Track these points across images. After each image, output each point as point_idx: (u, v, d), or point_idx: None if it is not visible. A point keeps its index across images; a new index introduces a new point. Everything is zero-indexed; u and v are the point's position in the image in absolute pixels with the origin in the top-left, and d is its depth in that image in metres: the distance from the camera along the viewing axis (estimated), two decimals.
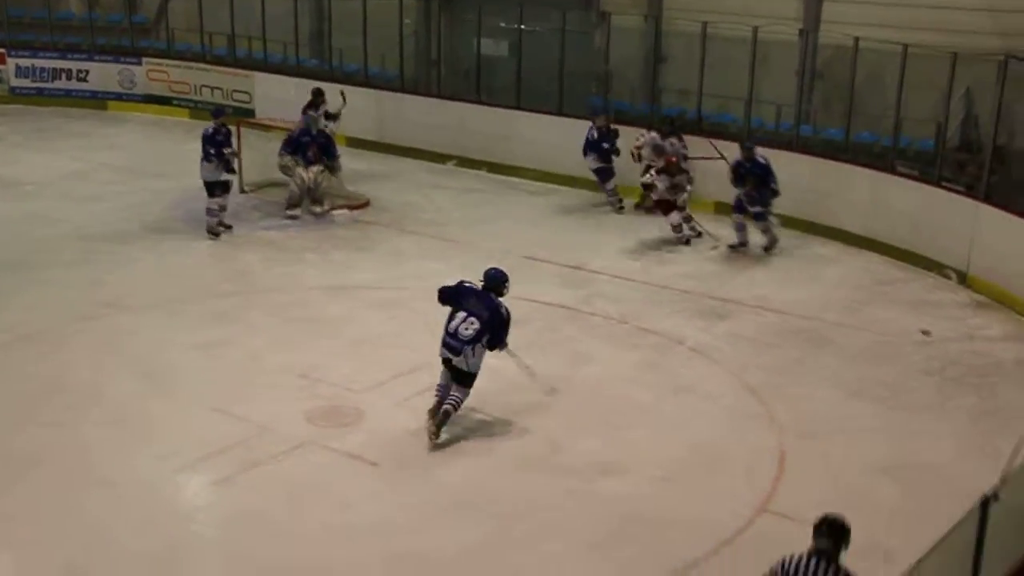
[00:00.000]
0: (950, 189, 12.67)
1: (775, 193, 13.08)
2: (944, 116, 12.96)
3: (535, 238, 13.64)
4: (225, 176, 13.16)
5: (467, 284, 8.87)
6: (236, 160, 13.42)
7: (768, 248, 13.24)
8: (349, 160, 15.24)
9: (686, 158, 14.05)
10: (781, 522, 7.70)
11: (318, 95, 15.30)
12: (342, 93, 15.49)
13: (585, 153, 14.82)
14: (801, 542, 7.47)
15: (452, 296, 8.84)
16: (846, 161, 13.68)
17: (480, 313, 8.64)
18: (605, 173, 14.84)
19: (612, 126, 14.90)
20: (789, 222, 13.91)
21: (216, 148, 12.96)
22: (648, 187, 14.05)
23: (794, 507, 7.86)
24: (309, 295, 11.76)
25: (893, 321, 11.28)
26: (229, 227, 13.48)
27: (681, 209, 13.43)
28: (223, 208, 13.34)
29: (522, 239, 13.56)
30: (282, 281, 12.18)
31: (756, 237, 13.33)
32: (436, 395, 8.78)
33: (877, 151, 13.92)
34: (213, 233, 13.25)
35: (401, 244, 13.47)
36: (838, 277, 12.58)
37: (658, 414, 9.29)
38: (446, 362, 8.75)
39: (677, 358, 10.39)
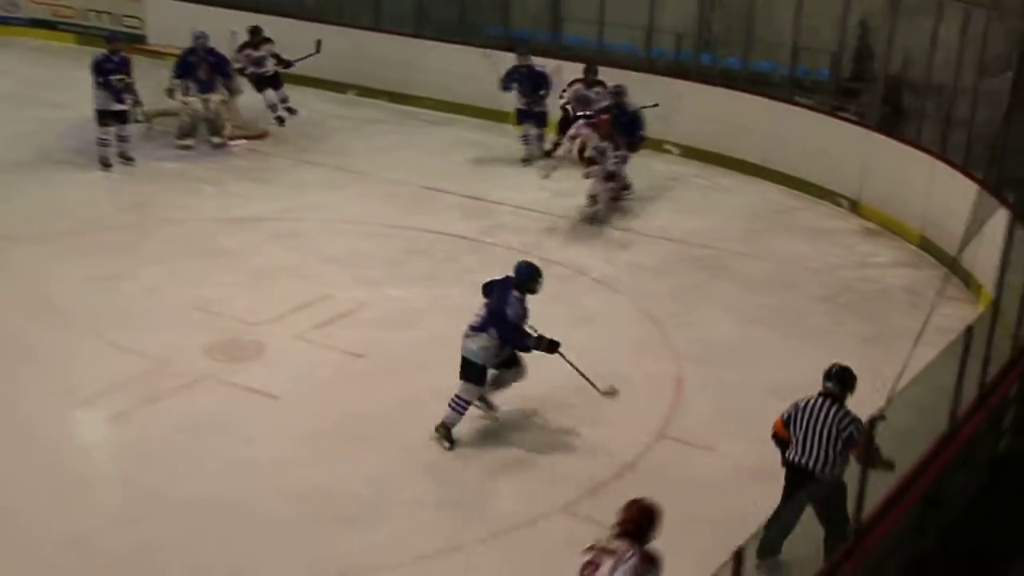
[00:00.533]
0: (844, 119, 12.90)
1: (641, 140, 12.62)
2: (839, 46, 13.15)
3: (436, 168, 13.56)
4: (117, 106, 12.74)
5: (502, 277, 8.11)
6: (132, 89, 12.89)
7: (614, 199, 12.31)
8: (246, 90, 14.88)
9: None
10: (679, 446, 7.89)
11: (255, 34, 14.37)
12: (318, 42, 14.61)
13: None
14: (699, 464, 7.73)
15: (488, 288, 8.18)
16: (745, 91, 13.80)
17: (490, 303, 7.97)
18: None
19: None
20: (689, 152, 14.07)
21: (104, 76, 12.54)
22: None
23: (691, 432, 8.08)
24: (207, 227, 11.56)
25: (788, 249, 11.52)
26: (131, 159, 13.10)
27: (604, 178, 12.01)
28: (123, 140, 12.96)
29: (423, 170, 13.47)
30: (179, 213, 11.94)
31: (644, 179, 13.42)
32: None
33: (775, 81, 14.07)
34: (105, 164, 12.89)
35: (300, 175, 13.27)
36: (736, 206, 12.77)
37: (562, 343, 9.35)
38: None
39: (579, 288, 10.48)
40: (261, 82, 14.44)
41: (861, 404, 8.05)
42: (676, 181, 13.49)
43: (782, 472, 6.76)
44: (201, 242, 11.12)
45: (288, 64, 14.37)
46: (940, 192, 11.15)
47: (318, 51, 14.50)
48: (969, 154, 10.92)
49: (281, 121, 14.51)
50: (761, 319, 9.86)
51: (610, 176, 11.92)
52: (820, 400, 6.63)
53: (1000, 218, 8.48)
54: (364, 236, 11.45)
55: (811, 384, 8.70)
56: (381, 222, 11.80)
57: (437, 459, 7.68)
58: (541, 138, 13.79)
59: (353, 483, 7.39)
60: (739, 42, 14.23)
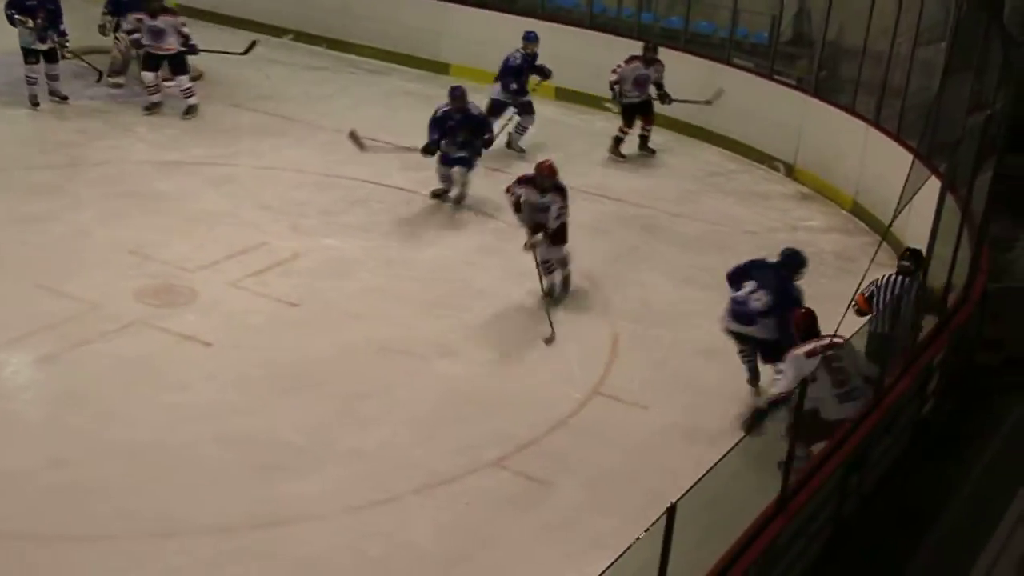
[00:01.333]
0: (781, 83, 12.99)
1: (487, 144, 11.46)
2: (779, 10, 13.22)
3: (375, 118, 13.39)
4: (39, 45, 12.31)
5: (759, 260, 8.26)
6: (53, 28, 12.39)
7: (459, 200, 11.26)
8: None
9: (668, 98, 12.64)
10: (612, 404, 7.97)
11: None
12: (252, 44, 13.79)
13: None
14: (632, 422, 7.82)
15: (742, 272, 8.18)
16: (685, 51, 13.82)
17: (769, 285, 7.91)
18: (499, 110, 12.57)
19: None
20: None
21: (15, 13, 12.15)
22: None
23: (625, 389, 8.16)
24: (139, 169, 11.35)
25: (724, 211, 11.62)
26: (64, 97, 12.76)
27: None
28: (52, 78, 12.61)
29: (361, 119, 13.28)
30: (110, 154, 11.69)
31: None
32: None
33: (715, 42, 14.12)
34: (34, 102, 12.55)
35: (235, 120, 13.04)
36: (674, 167, 12.82)
37: (496, 298, 9.39)
38: (738, 336, 8.06)
39: (516, 243, 10.43)
40: (150, 59, 12.70)
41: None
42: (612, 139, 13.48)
43: (714, 432, 6.88)
44: (133, 185, 10.92)
45: (193, 50, 12.91)
46: (874, 159, 11.31)
47: (244, 53, 13.40)
48: (903, 122, 11.08)
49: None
50: (696, 279, 9.95)
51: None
52: (897, 278, 7.87)
53: (932, 186, 8.61)
54: (300, 184, 11.32)
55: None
56: (318, 171, 11.68)
57: (371, 411, 7.68)
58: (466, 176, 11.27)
59: (286, 432, 7.36)
60: (681, 1, 14.23)
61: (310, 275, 9.45)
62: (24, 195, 10.45)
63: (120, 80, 13.52)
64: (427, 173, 11.85)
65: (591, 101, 13.58)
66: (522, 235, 10.68)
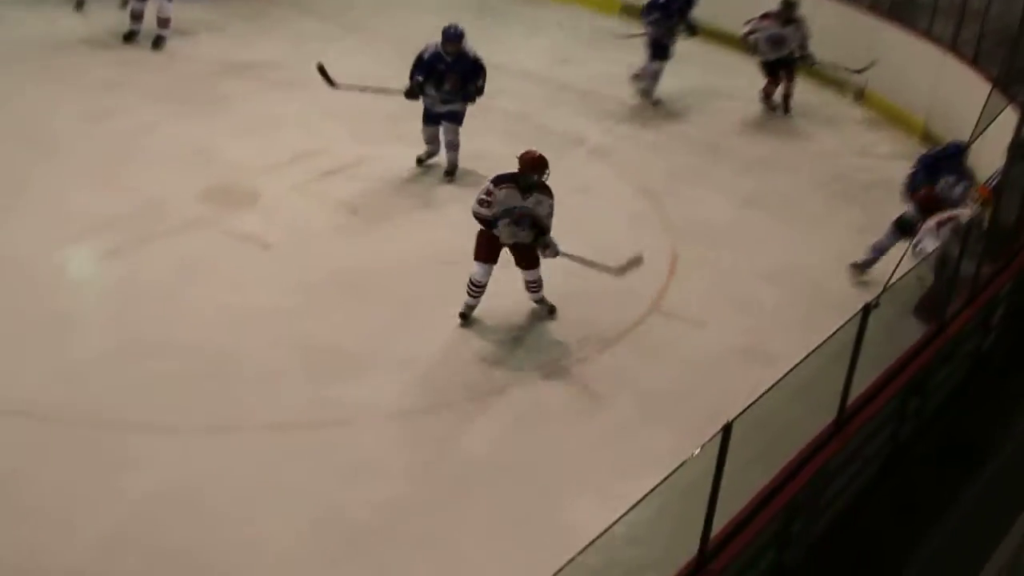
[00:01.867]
0: (856, 5, 12.64)
1: (479, 91, 9.88)
2: None
3: (440, 29, 13.24)
4: None
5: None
6: None
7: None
8: None
9: (811, 59, 11.73)
10: (671, 321, 7.94)
11: None
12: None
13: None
14: (687, 339, 7.80)
15: None
16: None
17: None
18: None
19: None
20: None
21: None
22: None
23: (682, 307, 8.12)
24: (204, 69, 11.34)
25: (790, 133, 11.42)
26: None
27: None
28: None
29: (427, 29, 13.09)
30: (176, 54, 11.70)
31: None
32: None
33: None
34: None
35: (302, 26, 12.96)
36: (741, 89, 12.57)
37: (556, 212, 9.28)
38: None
39: (576, 159, 10.40)
40: None
41: (853, 292, 8.16)
42: (680, 56, 13.23)
43: (772, 353, 6.86)
44: (198, 84, 10.94)
45: None
46: (947, 86, 11.03)
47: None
48: (980, 48, 10.77)
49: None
50: (758, 201, 9.84)
51: None
52: None
53: (1008, 116, 8.39)
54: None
55: (802, 268, 8.81)
56: (383, 78, 11.56)
57: (428, 320, 7.71)
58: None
59: (341, 336, 7.43)
60: None
61: (371, 182, 9.46)
62: (90, 91, 10.50)
63: None
64: (489, 85, 11.72)
65: None
66: (578, 151, 10.59)
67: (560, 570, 3.95)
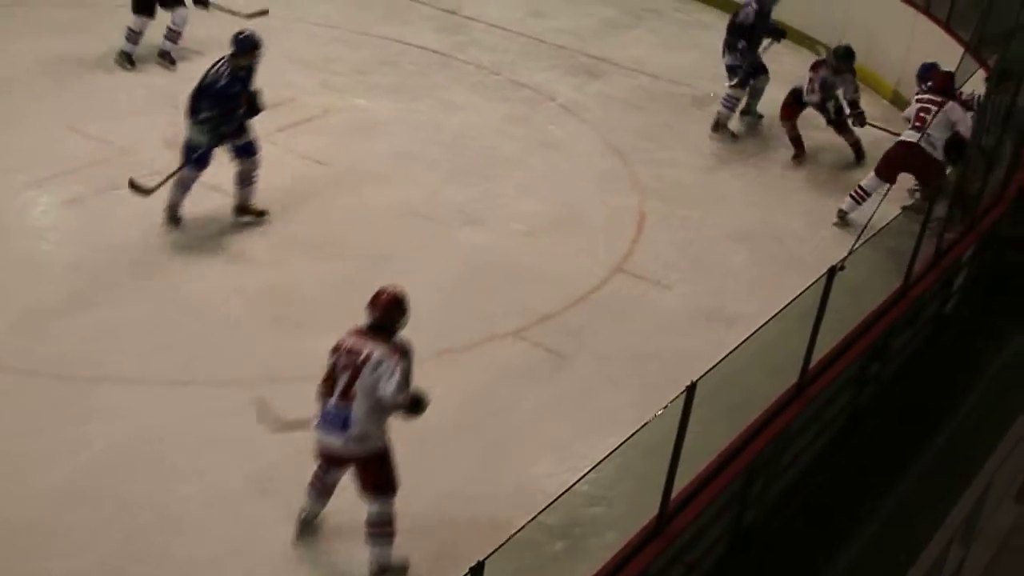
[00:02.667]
0: None
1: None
2: None
3: None
4: None
5: None
6: None
7: None
8: None
9: (862, 118, 9.97)
10: (636, 281, 7.94)
11: None
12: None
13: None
14: (653, 301, 7.80)
15: None
16: None
17: None
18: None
19: None
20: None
21: None
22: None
23: (649, 268, 8.12)
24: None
25: (763, 94, 11.37)
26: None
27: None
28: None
29: None
30: None
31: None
32: None
33: None
34: None
35: None
36: (713, 45, 12.45)
37: (524, 168, 9.30)
38: None
39: (547, 114, 10.34)
40: None
41: (824, 252, 8.17)
42: (654, 13, 13.19)
43: (738, 315, 6.89)
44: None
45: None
46: (920, 48, 10.99)
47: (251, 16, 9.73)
48: (953, 10, 10.76)
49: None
50: (728, 162, 9.83)
51: None
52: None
53: (978, 80, 8.41)
54: (333, 40, 11.13)
55: (770, 229, 8.83)
56: (352, 28, 11.47)
57: (392, 274, 7.58)
58: None
59: (306, 289, 7.39)
60: None
61: (338, 134, 9.37)
62: (53, 34, 10.30)
63: None
64: (461, 37, 11.65)
65: None
66: (549, 107, 10.53)
67: (520, 529, 3.96)
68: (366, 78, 10.44)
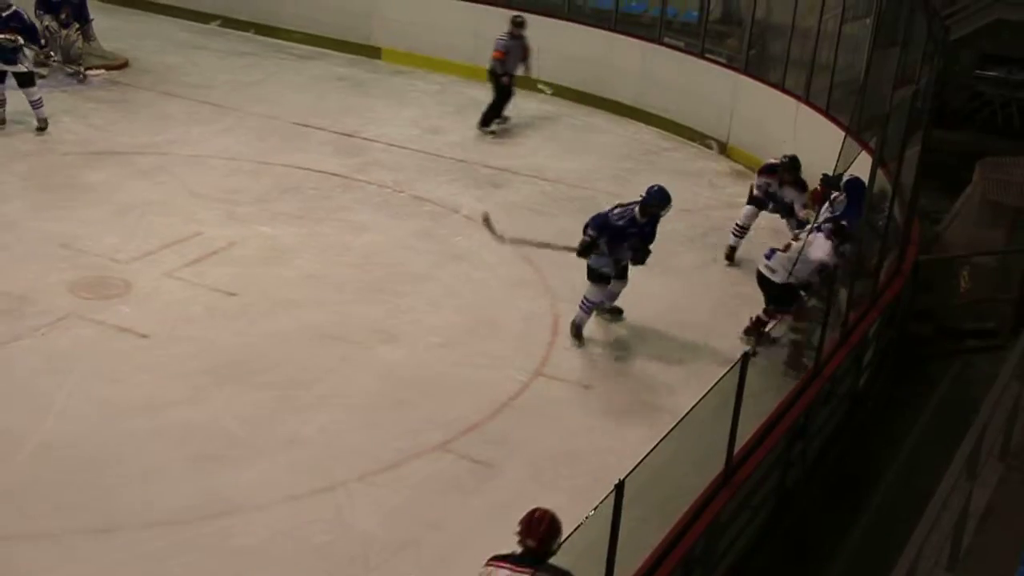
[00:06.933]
0: (713, 61, 13.08)
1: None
2: None
3: (306, 104, 13.28)
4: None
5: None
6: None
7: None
8: (103, 17, 14.28)
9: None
10: (556, 384, 7.99)
11: None
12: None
13: None
14: (576, 402, 7.85)
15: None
16: (616, 31, 13.85)
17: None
18: None
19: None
20: (561, 91, 14.08)
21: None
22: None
23: (567, 369, 8.18)
24: (67, 160, 11.11)
25: None
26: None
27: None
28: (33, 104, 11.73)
29: (292, 105, 13.18)
30: (37, 145, 11.43)
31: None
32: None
33: (646, 22, 14.16)
34: None
35: (163, 108, 12.82)
36: (609, 146, 12.85)
37: (434, 282, 9.36)
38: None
39: (452, 226, 10.45)
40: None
41: (731, 342, 8.33)
42: (549, 121, 13.50)
43: (659, 407, 6.94)
44: (61, 175, 10.71)
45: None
46: (805, 135, 11.43)
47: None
48: (832, 97, 11.22)
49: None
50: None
51: None
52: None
53: (863, 161, 8.72)
54: (233, 172, 11.17)
55: (682, 321, 8.97)
56: (250, 158, 11.54)
57: (310, 399, 7.61)
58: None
59: (225, 422, 7.27)
60: None
61: (246, 263, 9.35)
62: None
63: (44, 71, 13.18)
64: (360, 159, 11.79)
65: (524, 82, 13.47)
66: (454, 219, 10.65)
67: None
68: (269, 206, 10.47)
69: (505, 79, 12.58)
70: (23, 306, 8.30)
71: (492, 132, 12.72)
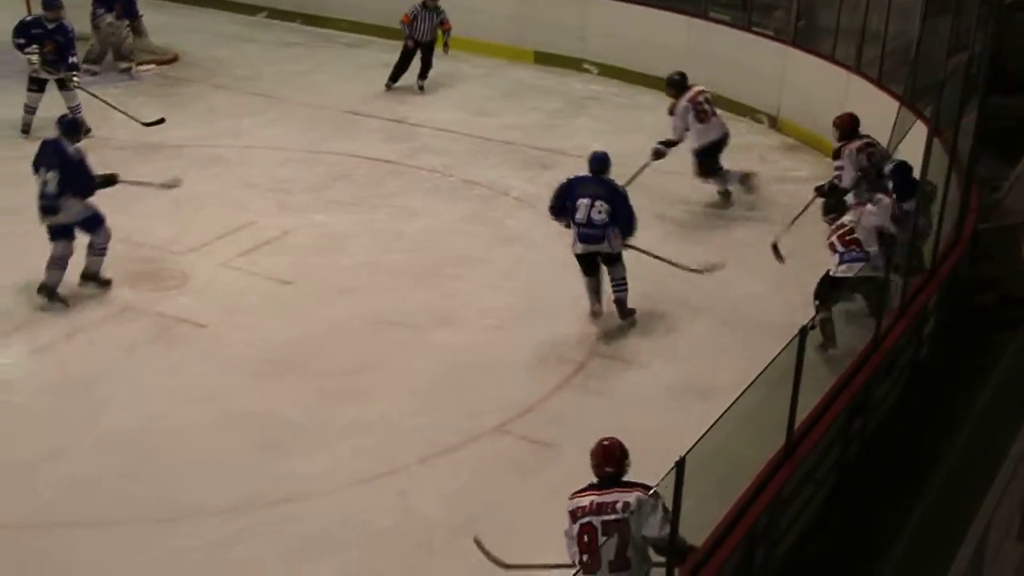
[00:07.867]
0: (760, 34, 12.94)
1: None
2: None
3: (354, 92, 13.34)
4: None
5: (575, 177, 8.44)
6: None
7: None
8: (152, 13, 14.42)
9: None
10: (612, 363, 7.98)
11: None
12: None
13: None
14: (632, 380, 7.84)
15: (565, 193, 8.34)
16: (660, 7, 13.75)
17: (601, 195, 8.19)
18: None
19: None
20: (608, 71, 14.01)
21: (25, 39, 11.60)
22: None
23: (622, 348, 8.17)
24: (119, 155, 11.20)
25: None
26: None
27: None
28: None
29: (341, 93, 13.25)
30: (90, 141, 11.50)
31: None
32: (590, 299, 8.46)
33: None
34: (24, 130, 12.15)
35: (214, 100, 12.95)
36: (657, 125, 12.69)
37: (488, 265, 9.38)
38: (587, 257, 8.36)
39: (503, 209, 10.46)
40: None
41: (789, 308, 8.23)
42: (596, 100, 13.45)
43: (715, 386, 6.92)
44: (115, 169, 10.75)
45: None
46: (856, 106, 11.20)
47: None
48: (883, 67, 11.05)
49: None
50: (687, 234, 9.95)
51: None
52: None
53: (918, 131, 8.60)
54: (285, 162, 11.26)
55: (735, 296, 8.91)
56: (301, 147, 11.62)
57: (370, 385, 7.66)
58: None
59: (286, 410, 7.35)
60: None
61: (301, 252, 9.42)
62: (5, 186, 10.33)
63: (96, 68, 13.39)
64: (410, 144, 11.83)
65: (570, 63, 13.45)
66: (504, 201, 10.67)
67: None
68: (322, 194, 10.54)
69: (409, 43, 13.20)
70: (84, 299, 8.43)
71: (388, 87, 13.42)
